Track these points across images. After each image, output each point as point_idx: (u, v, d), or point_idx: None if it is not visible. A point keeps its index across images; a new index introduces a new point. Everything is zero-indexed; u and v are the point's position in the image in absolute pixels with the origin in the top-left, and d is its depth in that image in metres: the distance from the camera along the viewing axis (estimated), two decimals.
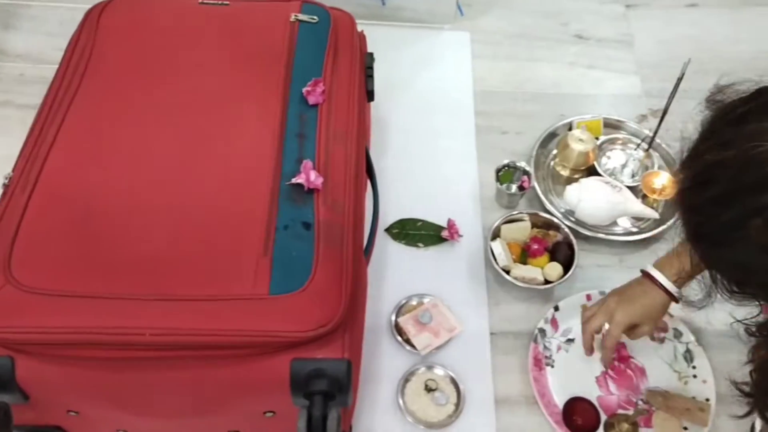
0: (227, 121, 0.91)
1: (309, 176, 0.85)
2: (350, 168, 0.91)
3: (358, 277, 0.89)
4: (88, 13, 1.03)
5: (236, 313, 0.76)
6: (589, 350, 1.01)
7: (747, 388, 0.66)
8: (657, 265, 0.97)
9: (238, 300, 0.77)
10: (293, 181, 0.85)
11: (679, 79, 1.12)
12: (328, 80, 0.98)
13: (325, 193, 0.86)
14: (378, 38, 1.40)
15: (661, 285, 0.94)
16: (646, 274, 0.97)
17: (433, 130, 1.33)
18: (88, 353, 0.74)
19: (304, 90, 0.95)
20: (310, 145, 0.90)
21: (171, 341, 0.74)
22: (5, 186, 0.85)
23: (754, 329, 0.63)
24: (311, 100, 0.94)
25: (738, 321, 0.68)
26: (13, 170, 0.86)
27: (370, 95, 1.12)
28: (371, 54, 1.15)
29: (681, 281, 0.93)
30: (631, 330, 0.98)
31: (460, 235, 1.17)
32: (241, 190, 0.85)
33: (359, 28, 1.13)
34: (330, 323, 0.76)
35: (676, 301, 0.96)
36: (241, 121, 0.91)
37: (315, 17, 1.05)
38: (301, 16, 1.04)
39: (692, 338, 1.08)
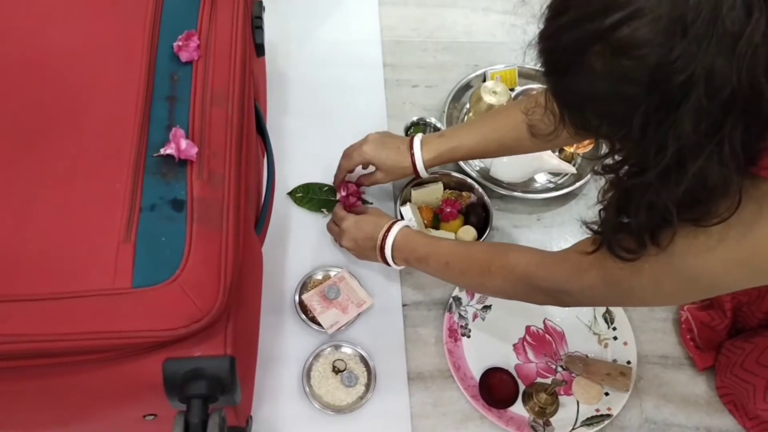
0: (79, 85, 0.77)
1: (180, 145, 0.73)
2: (232, 134, 0.79)
3: (247, 259, 0.79)
4: None
5: (93, 312, 0.65)
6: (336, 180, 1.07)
7: (596, 227, 0.68)
8: (423, 139, 0.99)
9: (95, 296, 0.65)
10: (161, 152, 0.73)
11: None
12: (204, 33, 0.85)
13: (200, 164, 0.75)
14: None
15: (414, 156, 0.98)
16: (411, 139, 1.00)
17: (338, 84, 1.22)
18: None
19: (174, 45, 0.81)
20: (182, 109, 0.78)
21: (14, 350, 0.63)
22: None
23: (600, 169, 0.64)
24: (184, 56, 0.81)
25: (585, 157, 0.74)
26: None
27: (259, 49, 1.00)
28: (260, 2, 1.02)
29: (436, 161, 0.98)
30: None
31: (362, 199, 1.08)
32: (98, 166, 0.72)
33: None
34: (205, 317, 0.66)
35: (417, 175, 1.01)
36: (97, 84, 0.78)
37: None
38: None
39: None
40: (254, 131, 0.93)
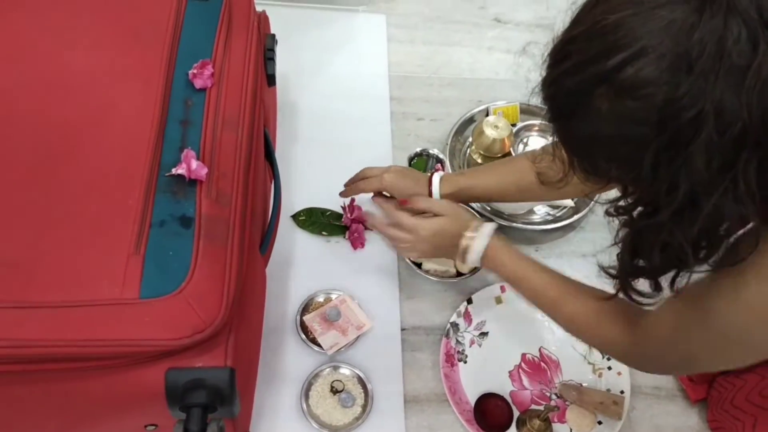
0: (99, 107, 0.82)
1: (190, 165, 0.77)
2: (241, 157, 0.84)
3: (250, 277, 0.83)
4: None
5: (101, 321, 0.68)
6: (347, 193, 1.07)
7: (614, 272, 0.67)
8: (443, 176, 1.01)
9: (104, 305, 0.68)
10: (173, 172, 0.77)
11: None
12: (218, 62, 0.90)
13: (209, 184, 0.79)
14: (288, 19, 1.34)
15: (431, 189, 1.00)
16: (431, 174, 1.01)
17: (346, 115, 1.26)
18: None
19: (190, 73, 0.86)
20: (194, 132, 0.82)
21: (25, 354, 0.66)
22: None
23: (613, 210, 0.63)
24: (198, 83, 0.86)
25: (601, 203, 0.70)
26: None
27: (270, 79, 1.04)
28: (273, 35, 1.07)
29: (452, 197, 0.99)
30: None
31: (366, 226, 1.11)
32: (112, 183, 0.76)
33: (263, 8, 1.05)
34: (208, 328, 0.69)
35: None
36: (115, 107, 0.82)
37: None
38: None
39: None
40: (263, 156, 0.97)
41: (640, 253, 0.62)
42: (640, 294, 0.65)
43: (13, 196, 0.74)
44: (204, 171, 0.78)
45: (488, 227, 0.92)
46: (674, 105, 0.50)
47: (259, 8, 1.03)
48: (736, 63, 0.49)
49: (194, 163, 0.78)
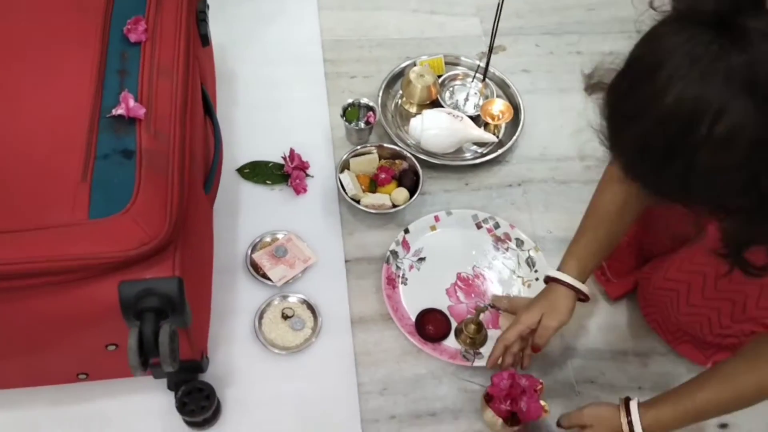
0: (43, 63, 0.89)
1: (128, 105, 0.85)
2: (177, 101, 0.91)
3: (193, 208, 0.90)
4: None
5: (55, 241, 0.75)
6: (493, 365, 0.98)
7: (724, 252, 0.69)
8: (561, 269, 0.97)
9: (56, 228, 0.76)
10: (113, 112, 0.85)
11: (498, 12, 1.18)
12: (151, 19, 0.97)
13: (147, 123, 0.86)
14: None
15: (569, 285, 0.95)
16: (552, 279, 0.97)
17: (283, 79, 1.34)
18: None
19: (124, 29, 0.94)
20: (132, 80, 0.90)
21: None
22: None
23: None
24: (133, 37, 0.94)
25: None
26: None
27: (204, 39, 1.12)
28: (204, 0, 1.15)
29: (584, 277, 0.96)
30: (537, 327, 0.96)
31: (307, 173, 1.19)
32: (58, 126, 0.84)
33: None
34: (153, 241, 0.77)
35: (586, 299, 0.97)
36: (58, 62, 0.90)
37: None
38: None
39: (533, 245, 1.15)
40: (200, 106, 1.05)
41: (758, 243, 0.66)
42: (753, 266, 0.68)
43: None
44: (142, 111, 0.86)
45: (634, 407, 0.87)
46: (763, 128, 0.55)
47: None
48: None
49: (132, 103, 0.85)
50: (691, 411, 0.85)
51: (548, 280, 0.97)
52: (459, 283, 1.12)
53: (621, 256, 1.11)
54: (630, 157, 0.63)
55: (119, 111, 0.85)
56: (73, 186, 0.79)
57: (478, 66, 1.33)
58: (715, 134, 0.56)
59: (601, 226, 0.96)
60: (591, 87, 0.69)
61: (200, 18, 1.12)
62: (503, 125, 1.29)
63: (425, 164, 1.22)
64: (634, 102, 0.60)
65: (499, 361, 0.98)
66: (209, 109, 1.11)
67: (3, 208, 0.77)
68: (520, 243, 1.16)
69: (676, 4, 0.61)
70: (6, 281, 0.74)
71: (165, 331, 0.77)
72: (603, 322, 1.10)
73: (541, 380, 0.95)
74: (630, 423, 0.86)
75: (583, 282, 0.96)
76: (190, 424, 0.95)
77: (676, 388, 0.88)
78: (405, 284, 1.11)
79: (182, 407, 0.93)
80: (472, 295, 1.10)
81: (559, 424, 0.93)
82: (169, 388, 0.97)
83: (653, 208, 1.00)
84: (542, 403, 0.93)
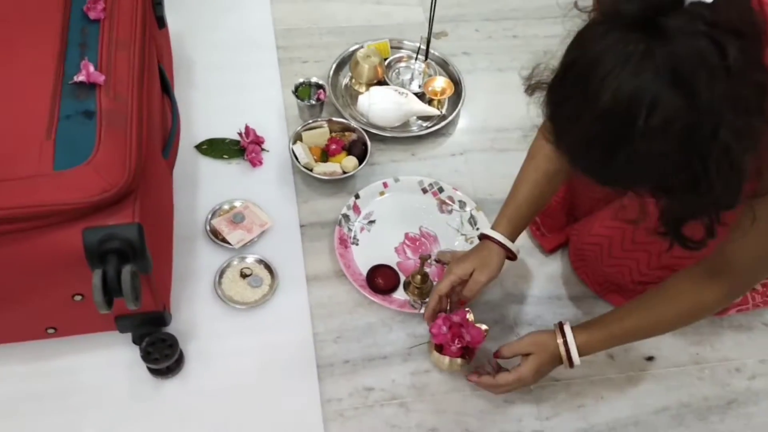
0: (8, 37, 0.96)
1: (89, 71, 0.92)
2: (134, 70, 0.98)
3: (152, 169, 0.97)
4: None
5: (22, 190, 0.81)
6: (429, 315, 1.04)
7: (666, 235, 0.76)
8: (494, 228, 1.04)
9: (23, 179, 0.82)
10: (75, 79, 0.92)
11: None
12: (109, 0, 1.05)
13: (107, 87, 0.93)
14: None
15: (500, 243, 1.02)
16: (485, 237, 1.04)
17: (237, 64, 1.42)
18: None
19: (84, 7, 1.01)
20: (92, 52, 0.97)
21: None
22: None
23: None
24: (92, 15, 1.01)
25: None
26: None
27: (160, 21, 1.20)
28: None
29: (514, 236, 1.04)
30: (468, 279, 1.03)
31: (263, 147, 1.27)
32: (24, 93, 0.90)
33: None
34: (113, 188, 0.83)
35: (514, 257, 1.04)
36: (23, 37, 0.96)
37: None
38: None
39: (474, 205, 1.24)
40: (157, 80, 1.12)
41: (692, 219, 0.71)
42: (691, 240, 0.73)
43: None
44: (101, 78, 0.93)
45: (567, 329, 0.96)
46: (700, 114, 0.60)
47: None
48: (714, 61, 0.59)
49: (91, 69, 0.92)
50: (618, 334, 0.94)
51: (482, 237, 1.05)
52: (407, 242, 1.20)
53: (554, 213, 1.20)
54: (575, 152, 0.69)
55: (80, 78, 0.92)
56: (39, 144, 0.85)
57: (419, 47, 1.43)
58: (651, 124, 0.60)
59: (531, 190, 1.03)
60: (531, 88, 0.74)
61: (156, 1, 1.19)
62: (446, 101, 1.39)
63: (374, 137, 1.31)
64: (574, 104, 0.65)
65: (413, 300, 1.08)
66: (166, 86, 1.19)
67: None
68: (462, 204, 1.25)
69: (602, 8, 0.67)
70: None
71: (127, 272, 0.83)
72: (539, 273, 1.19)
73: (466, 308, 1.04)
74: (565, 343, 0.94)
75: (513, 241, 1.04)
76: (154, 372, 1.01)
77: (606, 314, 0.97)
78: (356, 245, 1.18)
79: (147, 356, 0.99)
80: (419, 252, 1.18)
81: (498, 355, 1.01)
82: (134, 341, 1.03)
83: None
84: (480, 326, 1.01)
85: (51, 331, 0.99)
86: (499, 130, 1.38)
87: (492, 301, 1.15)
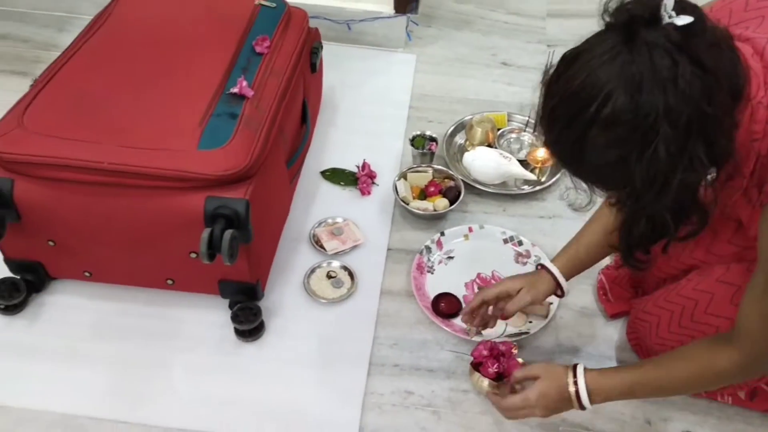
0: (194, 56, 1.27)
1: (242, 86, 1.20)
2: (278, 93, 1.25)
3: (272, 170, 1.22)
4: None
5: (174, 159, 1.08)
6: (468, 316, 1.16)
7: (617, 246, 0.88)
8: (553, 260, 1.14)
9: (174, 150, 1.09)
10: (231, 90, 1.20)
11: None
12: (275, 41, 1.34)
13: (253, 100, 1.20)
14: (343, 54, 1.83)
15: (553, 274, 1.12)
16: (541, 266, 1.14)
17: (374, 115, 1.67)
18: (63, 175, 1.07)
19: (254, 42, 1.31)
20: (250, 74, 1.25)
21: (120, 170, 1.07)
22: (32, 84, 1.22)
23: (614, 202, 0.84)
24: (258, 49, 1.31)
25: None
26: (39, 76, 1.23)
27: (313, 66, 1.48)
28: (320, 42, 1.53)
29: (567, 275, 1.13)
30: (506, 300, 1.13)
31: (374, 181, 1.48)
32: (193, 94, 1.19)
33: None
34: (233, 170, 1.08)
35: (562, 294, 1.13)
36: (204, 57, 1.27)
37: (274, 4, 1.43)
38: (264, 2, 1.42)
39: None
40: (298, 109, 1.39)
41: (634, 229, 0.82)
42: (639, 261, 0.84)
43: (130, 92, 1.19)
44: (251, 93, 1.20)
45: (580, 369, 0.98)
46: (641, 118, 0.70)
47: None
48: (667, 76, 0.69)
49: (244, 84, 1.20)
50: (629, 385, 0.96)
51: (539, 266, 1.16)
52: (477, 280, 1.32)
53: (623, 283, 1.27)
54: (545, 126, 0.79)
55: (235, 90, 1.20)
56: (192, 129, 1.13)
57: (528, 120, 1.58)
58: (601, 115, 0.71)
59: (591, 239, 1.13)
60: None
61: (313, 51, 1.48)
62: (546, 169, 1.52)
63: (472, 190, 1.47)
64: (554, 84, 0.77)
65: (469, 328, 1.18)
66: (306, 118, 1.45)
67: (145, 136, 1.11)
68: (538, 259, 1.35)
69: (606, 15, 0.79)
70: (136, 179, 1.07)
71: (228, 233, 1.05)
72: (596, 333, 1.25)
73: (514, 342, 1.12)
74: (576, 383, 0.97)
75: (566, 279, 1.13)
76: (238, 333, 1.21)
77: (622, 366, 1.02)
78: (432, 273, 1.33)
79: (235, 317, 1.20)
80: None
81: (511, 378, 1.06)
82: (230, 307, 1.24)
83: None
84: (519, 360, 1.10)
85: (170, 282, 1.23)
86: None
87: (543, 347, 1.22)
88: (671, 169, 0.72)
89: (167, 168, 1.07)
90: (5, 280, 1.23)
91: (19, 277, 1.23)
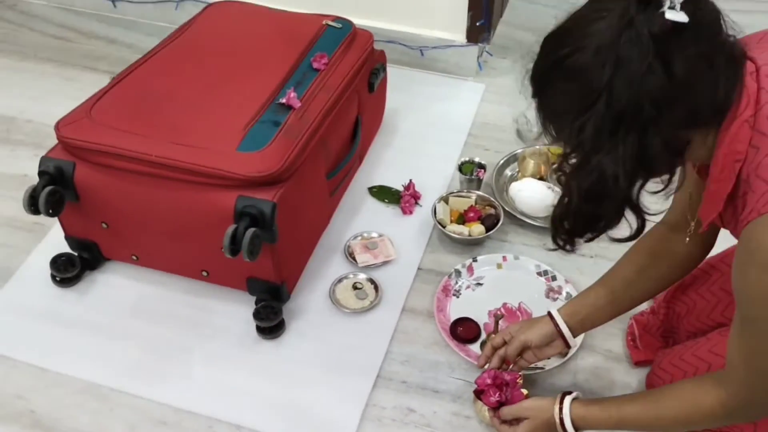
0: (254, 67, 1.36)
1: (290, 97, 1.27)
2: (325, 107, 1.31)
3: (310, 176, 1.28)
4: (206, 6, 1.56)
5: (213, 157, 1.16)
6: (481, 363, 1.16)
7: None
8: (560, 310, 1.10)
9: (216, 150, 1.17)
10: (281, 101, 1.27)
11: None
12: (334, 59, 1.41)
13: (299, 111, 1.27)
14: (413, 79, 1.87)
15: (555, 321, 1.09)
16: (549, 315, 1.11)
17: (432, 138, 1.70)
18: (116, 163, 1.18)
19: (312, 59, 1.38)
20: (302, 88, 1.33)
21: (165, 163, 1.16)
22: (111, 79, 1.35)
23: (557, 169, 0.82)
24: (315, 65, 1.38)
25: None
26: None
27: (371, 86, 1.53)
28: (383, 64, 1.58)
29: (574, 320, 1.09)
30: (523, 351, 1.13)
31: (417, 202, 1.50)
32: (245, 100, 1.28)
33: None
34: (266, 172, 1.14)
35: (567, 345, 1.10)
36: (263, 68, 1.36)
37: (340, 25, 1.50)
38: (331, 23, 1.50)
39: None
40: (349, 124, 1.45)
41: (564, 204, 0.80)
42: (564, 242, 0.84)
43: (192, 96, 1.29)
44: (298, 104, 1.27)
45: (567, 399, 0.99)
46: (589, 83, 0.70)
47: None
48: (627, 57, 0.68)
49: (293, 95, 1.27)
50: (615, 418, 0.95)
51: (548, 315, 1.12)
52: (502, 309, 1.31)
53: (653, 331, 1.21)
54: (532, 70, 0.79)
55: (284, 100, 1.27)
56: (236, 132, 1.20)
57: None
58: (566, 62, 0.71)
59: (609, 287, 1.08)
60: None
61: (373, 72, 1.53)
62: None
63: (515, 220, 1.46)
64: (560, 20, 0.76)
65: (488, 363, 1.15)
66: (355, 135, 1.51)
67: (193, 135, 1.21)
68: (569, 296, 1.31)
69: None
70: (177, 173, 1.16)
71: (251, 232, 1.12)
72: (617, 378, 1.20)
73: (520, 373, 1.10)
74: (561, 413, 0.97)
75: (572, 324, 1.08)
76: (259, 330, 1.26)
77: (610, 397, 0.99)
78: (457, 297, 1.33)
79: (257, 314, 1.25)
80: (509, 323, 1.28)
81: (499, 416, 1.06)
82: (255, 304, 1.30)
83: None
84: (523, 391, 1.08)
85: (204, 273, 1.31)
86: None
87: (558, 385, 1.19)
88: (594, 147, 0.72)
89: (206, 165, 1.15)
90: (63, 255, 1.35)
91: (76, 254, 1.36)
